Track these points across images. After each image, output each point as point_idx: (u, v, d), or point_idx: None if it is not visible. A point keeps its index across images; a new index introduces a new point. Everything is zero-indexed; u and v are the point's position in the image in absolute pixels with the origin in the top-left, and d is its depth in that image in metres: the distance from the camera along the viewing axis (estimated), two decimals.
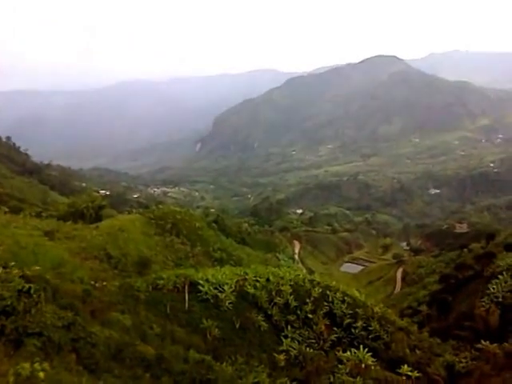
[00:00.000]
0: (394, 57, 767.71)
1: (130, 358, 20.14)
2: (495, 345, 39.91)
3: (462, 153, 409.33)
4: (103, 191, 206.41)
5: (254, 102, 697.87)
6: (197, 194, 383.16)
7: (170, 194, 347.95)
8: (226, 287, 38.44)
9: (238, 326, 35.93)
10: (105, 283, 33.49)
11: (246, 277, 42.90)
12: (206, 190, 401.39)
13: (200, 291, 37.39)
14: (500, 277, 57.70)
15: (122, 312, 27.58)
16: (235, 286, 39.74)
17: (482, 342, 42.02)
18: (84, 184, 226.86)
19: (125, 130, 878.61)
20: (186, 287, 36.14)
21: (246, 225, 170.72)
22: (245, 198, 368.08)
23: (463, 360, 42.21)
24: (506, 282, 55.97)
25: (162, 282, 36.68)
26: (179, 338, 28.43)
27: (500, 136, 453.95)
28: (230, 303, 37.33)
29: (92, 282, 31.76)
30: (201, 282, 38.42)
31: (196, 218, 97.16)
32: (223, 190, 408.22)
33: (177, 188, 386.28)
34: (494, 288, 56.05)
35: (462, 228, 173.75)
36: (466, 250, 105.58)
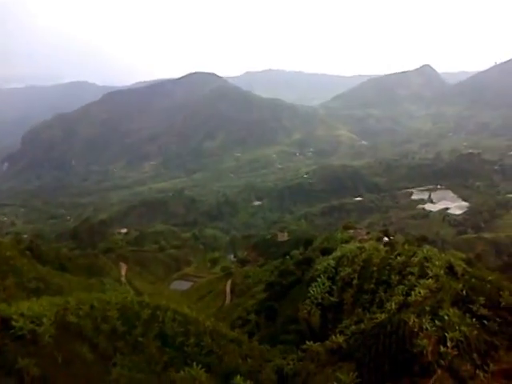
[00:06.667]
0: (213, 74, 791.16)
1: None
2: (318, 344, 42.61)
3: (280, 166, 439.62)
4: None
5: (68, 117, 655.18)
6: (5, 218, 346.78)
7: None
8: (44, 319, 34.74)
9: (60, 360, 32.67)
10: None
11: (68, 306, 39.44)
12: (17, 214, 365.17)
13: (14, 327, 33.22)
14: (318, 279, 62.26)
15: None
16: (55, 317, 36.22)
17: (307, 342, 44.69)
18: None
19: None
20: None
21: (66, 249, 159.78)
22: (63, 220, 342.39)
23: (291, 362, 44.14)
24: (323, 284, 60.54)
25: None
26: None
27: (311, 150, 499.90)
28: (49, 337, 33.82)
29: None
30: (14, 317, 34.08)
31: (6, 247, 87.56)
32: (37, 212, 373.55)
33: None
34: (313, 291, 60.25)
35: (283, 236, 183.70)
36: (287, 257, 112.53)
